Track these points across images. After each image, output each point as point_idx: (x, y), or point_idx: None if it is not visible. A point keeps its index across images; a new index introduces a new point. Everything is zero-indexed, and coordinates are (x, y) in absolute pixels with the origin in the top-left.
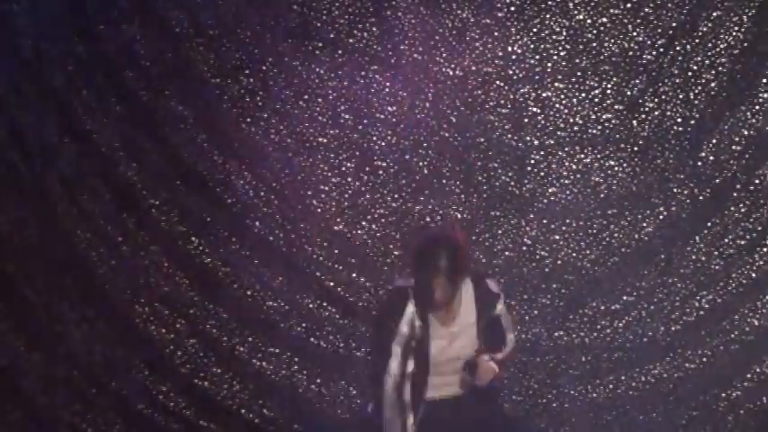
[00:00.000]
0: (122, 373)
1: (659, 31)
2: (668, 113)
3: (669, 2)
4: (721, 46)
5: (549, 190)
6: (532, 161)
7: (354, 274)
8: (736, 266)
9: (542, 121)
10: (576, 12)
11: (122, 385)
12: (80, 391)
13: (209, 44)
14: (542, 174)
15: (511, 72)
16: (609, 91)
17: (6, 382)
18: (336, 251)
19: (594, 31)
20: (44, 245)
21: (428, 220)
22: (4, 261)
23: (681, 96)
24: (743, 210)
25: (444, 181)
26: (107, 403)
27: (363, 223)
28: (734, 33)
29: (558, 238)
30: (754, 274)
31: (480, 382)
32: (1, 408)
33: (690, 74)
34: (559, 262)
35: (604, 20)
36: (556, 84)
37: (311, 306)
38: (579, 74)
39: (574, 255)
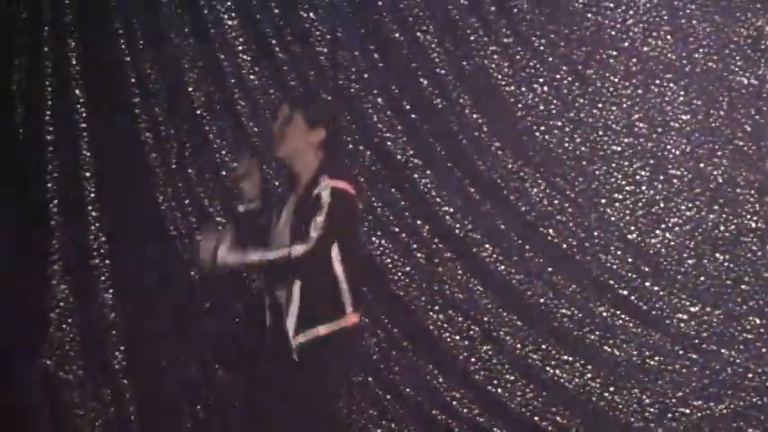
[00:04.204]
0: (416, 378)
1: None
2: None
3: None
4: None
5: None
6: None
7: (648, 283)
8: None
9: None
10: None
11: (418, 392)
12: (376, 397)
13: None
14: None
15: None
16: None
17: None
18: (630, 260)
19: None
20: None
21: (722, 229)
22: None
23: None
24: None
25: (738, 190)
26: (403, 410)
27: (657, 232)
28: None
29: None
30: None
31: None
32: None
33: None
34: None
35: None
36: None
37: (605, 314)
38: None
39: None
